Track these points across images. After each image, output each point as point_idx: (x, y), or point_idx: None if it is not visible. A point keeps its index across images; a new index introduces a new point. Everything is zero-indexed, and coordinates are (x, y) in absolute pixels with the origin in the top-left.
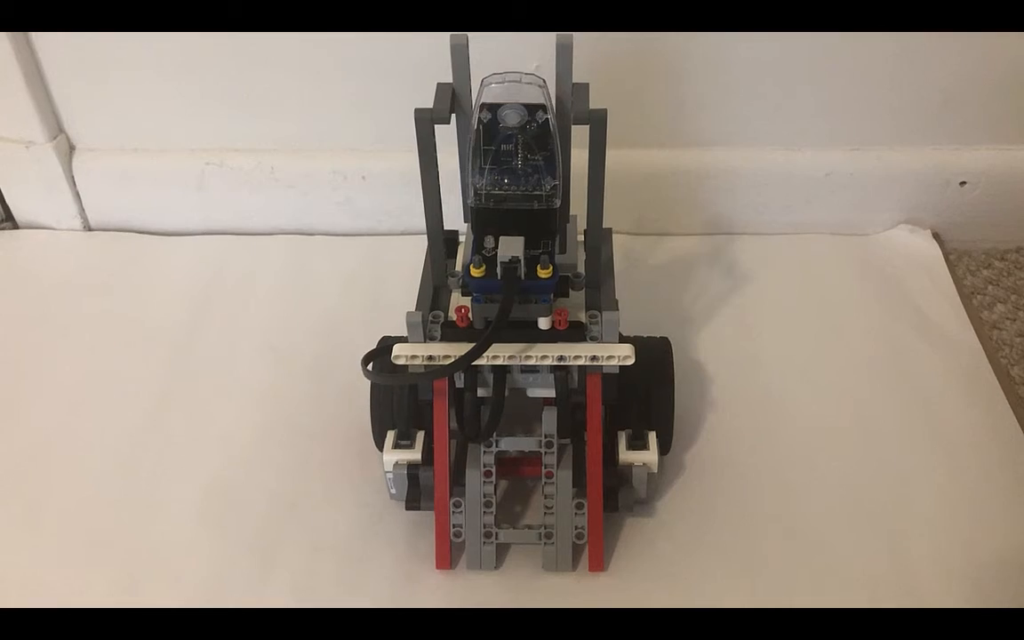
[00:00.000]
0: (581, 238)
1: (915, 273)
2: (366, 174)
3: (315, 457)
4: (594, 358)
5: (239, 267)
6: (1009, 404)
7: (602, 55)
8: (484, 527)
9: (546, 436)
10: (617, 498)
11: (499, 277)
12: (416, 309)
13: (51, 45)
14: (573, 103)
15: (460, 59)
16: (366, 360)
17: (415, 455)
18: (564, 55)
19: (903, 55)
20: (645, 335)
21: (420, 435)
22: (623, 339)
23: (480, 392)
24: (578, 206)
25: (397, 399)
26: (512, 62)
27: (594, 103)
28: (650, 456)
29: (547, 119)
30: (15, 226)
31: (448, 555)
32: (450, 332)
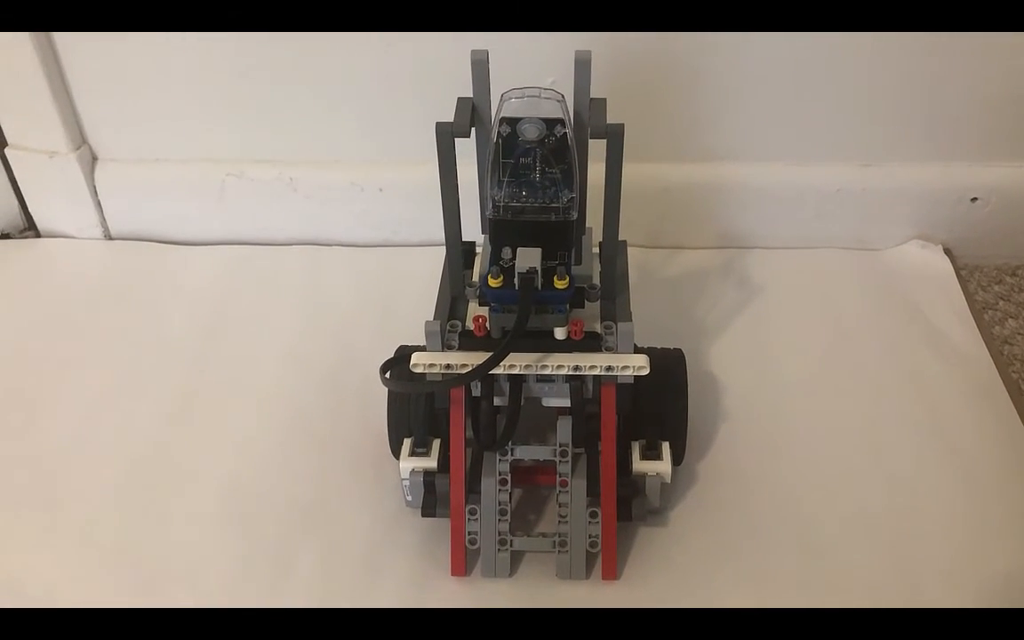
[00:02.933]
0: (596, 250)
1: (926, 288)
2: (383, 186)
3: (331, 464)
4: (609, 368)
5: (258, 276)
6: (1020, 418)
7: (619, 70)
8: (499, 535)
9: (561, 445)
10: (631, 507)
11: (516, 287)
12: (434, 318)
13: (76, 57)
14: (591, 118)
15: (480, 74)
16: (384, 368)
17: (431, 463)
18: (582, 70)
19: (914, 72)
20: (659, 346)
21: (436, 443)
22: (637, 350)
23: (496, 401)
24: (594, 218)
25: (414, 407)
26: (531, 77)
27: (610, 118)
28: (663, 466)
29: (565, 133)
30: (37, 235)
31: (463, 562)
32: (467, 341)
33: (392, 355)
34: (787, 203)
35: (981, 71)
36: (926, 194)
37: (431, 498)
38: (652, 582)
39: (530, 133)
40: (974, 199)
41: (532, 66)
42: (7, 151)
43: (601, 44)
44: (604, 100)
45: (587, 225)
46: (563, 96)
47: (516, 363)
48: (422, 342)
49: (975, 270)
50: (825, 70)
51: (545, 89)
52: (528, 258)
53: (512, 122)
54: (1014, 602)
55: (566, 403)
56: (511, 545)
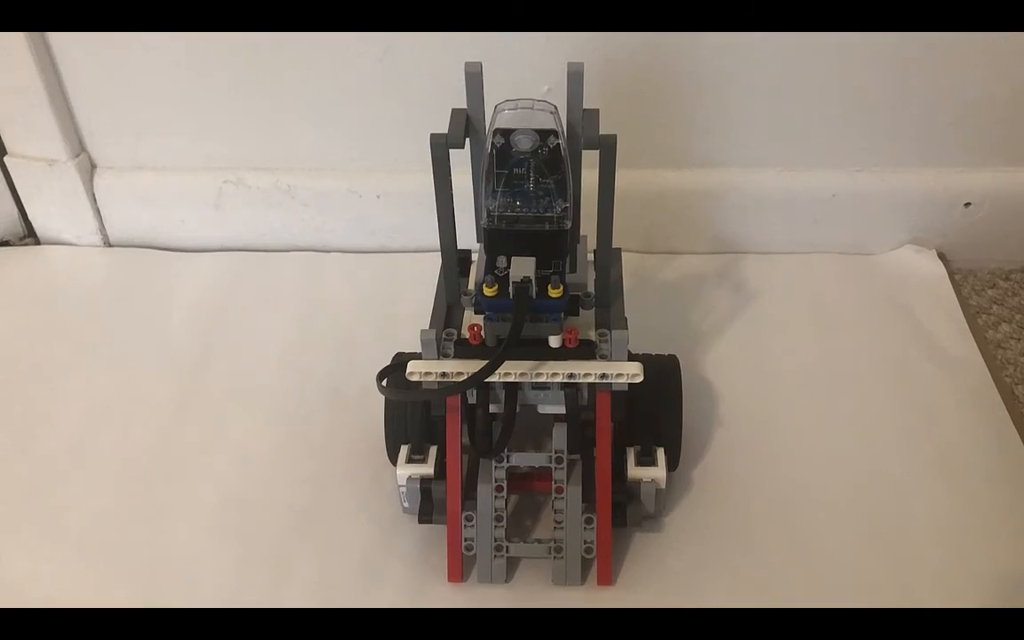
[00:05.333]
0: (591, 258)
1: (920, 293)
2: (381, 193)
3: (329, 470)
4: (603, 376)
5: (255, 283)
6: (1013, 423)
7: (613, 76)
8: (495, 541)
9: (556, 452)
10: (626, 513)
11: (511, 296)
12: (430, 327)
13: (75, 66)
14: (584, 128)
15: (474, 85)
16: (381, 376)
17: (428, 470)
18: (575, 81)
19: (908, 77)
20: (654, 353)
21: (433, 450)
22: (632, 357)
23: (492, 408)
24: (588, 226)
25: (411, 414)
26: (524, 87)
27: (605, 124)
28: (658, 472)
29: (558, 144)
30: (37, 242)
31: (460, 568)
32: (463, 349)
33: (389, 362)
34: (781, 208)
35: (975, 75)
36: (920, 199)
37: (428, 505)
38: (647, 587)
39: (523, 144)
40: (967, 204)
41: (527, 74)
42: (6, 159)
43: (595, 49)
44: (597, 111)
45: (582, 233)
46: (556, 107)
47: (511, 371)
48: (419, 349)
49: (969, 274)
50: (818, 75)
51: (538, 100)
52: (523, 267)
53: (506, 133)
54: (1005, 602)
55: (561, 410)
56: (507, 551)
